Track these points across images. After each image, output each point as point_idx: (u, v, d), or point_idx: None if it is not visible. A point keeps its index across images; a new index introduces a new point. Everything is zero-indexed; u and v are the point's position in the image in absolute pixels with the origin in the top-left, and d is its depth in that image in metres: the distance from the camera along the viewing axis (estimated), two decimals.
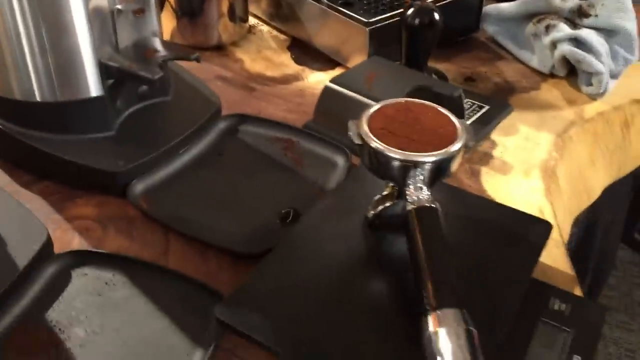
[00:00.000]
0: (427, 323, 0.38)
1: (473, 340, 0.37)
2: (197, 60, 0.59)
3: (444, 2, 0.82)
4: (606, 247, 0.99)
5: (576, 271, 0.57)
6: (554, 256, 0.55)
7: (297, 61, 0.82)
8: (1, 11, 0.51)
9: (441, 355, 0.36)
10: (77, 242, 0.53)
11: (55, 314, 0.46)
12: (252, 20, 0.91)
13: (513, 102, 0.75)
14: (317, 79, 0.78)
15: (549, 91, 0.78)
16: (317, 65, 0.81)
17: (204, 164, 0.61)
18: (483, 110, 0.72)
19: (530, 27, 0.81)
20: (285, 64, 0.82)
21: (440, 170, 0.45)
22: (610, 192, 0.79)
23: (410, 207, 0.44)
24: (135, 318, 0.46)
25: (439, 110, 0.48)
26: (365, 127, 0.46)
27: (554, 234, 0.56)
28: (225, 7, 0.83)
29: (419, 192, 0.45)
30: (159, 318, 0.46)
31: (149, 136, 0.60)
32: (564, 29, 0.76)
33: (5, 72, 0.56)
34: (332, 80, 0.65)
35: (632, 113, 0.77)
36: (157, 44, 0.58)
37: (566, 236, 0.68)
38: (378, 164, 0.46)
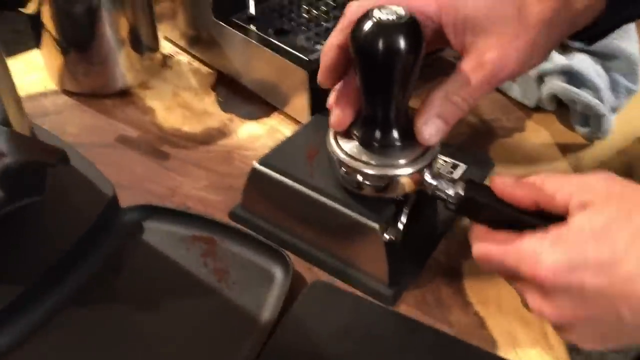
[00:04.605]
0: None
1: None
2: (65, 163, 0.42)
3: None
4: None
5: None
6: None
7: (224, 107, 0.65)
8: None
9: None
10: None
11: None
12: (167, 47, 0.74)
13: (493, 151, 0.60)
14: (249, 133, 0.62)
15: (536, 132, 0.63)
16: (248, 111, 0.65)
17: (86, 298, 0.45)
18: (459, 172, 0.56)
19: None
20: (209, 111, 0.65)
21: None
22: None
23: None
24: None
25: None
26: None
27: None
28: (124, 32, 0.64)
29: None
30: None
31: (5, 269, 0.43)
32: (553, 57, 0.60)
33: None
34: (262, 161, 0.49)
35: (637, 155, 0.63)
36: (5, 142, 0.41)
37: None
38: None
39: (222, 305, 0.45)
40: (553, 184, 0.37)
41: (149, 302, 0.45)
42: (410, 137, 0.43)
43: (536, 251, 0.34)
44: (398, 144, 0.43)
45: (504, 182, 0.39)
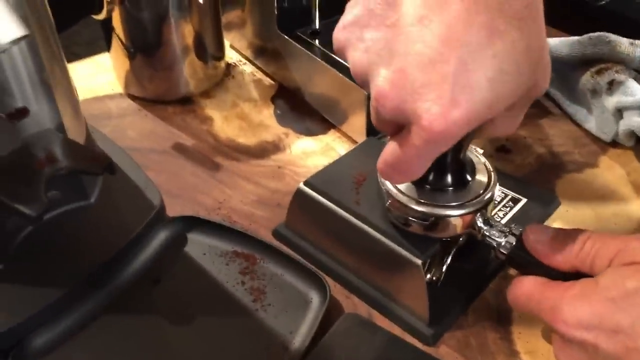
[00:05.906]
0: None
1: None
2: (110, 172, 0.42)
3: None
4: None
5: None
6: None
7: (281, 120, 0.65)
8: None
9: None
10: None
11: None
12: (232, 57, 0.74)
13: (560, 188, 0.56)
14: (302, 149, 0.61)
15: (610, 169, 0.59)
16: (305, 127, 0.64)
17: (123, 307, 0.45)
18: (519, 206, 0.53)
19: (587, 79, 0.61)
20: (265, 124, 0.64)
21: None
22: None
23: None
24: None
25: None
26: None
27: None
28: (190, 40, 0.64)
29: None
30: None
31: (48, 271, 0.44)
32: (633, 90, 0.56)
33: None
34: (308, 182, 0.47)
35: None
36: (57, 147, 0.42)
37: None
38: None
39: (254, 326, 0.44)
40: (594, 243, 0.34)
41: (182, 316, 0.45)
42: (464, 181, 0.41)
43: (558, 299, 0.34)
44: (450, 188, 0.41)
45: (537, 241, 0.37)
